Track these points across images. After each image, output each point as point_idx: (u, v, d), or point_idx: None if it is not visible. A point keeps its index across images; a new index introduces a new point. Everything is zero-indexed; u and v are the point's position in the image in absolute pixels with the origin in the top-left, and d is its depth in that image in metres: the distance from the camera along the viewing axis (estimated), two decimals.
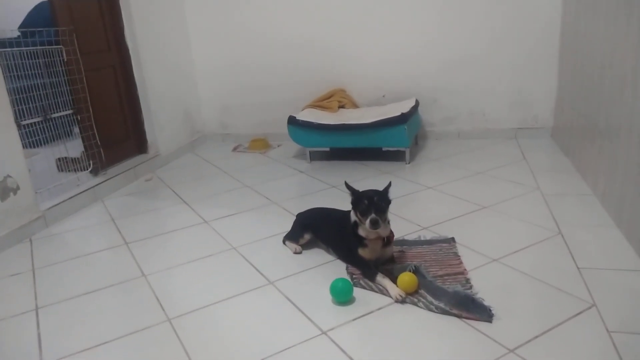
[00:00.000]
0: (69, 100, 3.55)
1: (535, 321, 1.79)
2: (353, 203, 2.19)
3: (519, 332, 1.74)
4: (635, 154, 2.27)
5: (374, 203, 2.10)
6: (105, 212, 3.32)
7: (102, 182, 3.64)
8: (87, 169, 3.66)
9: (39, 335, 1.98)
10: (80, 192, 3.44)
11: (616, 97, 2.56)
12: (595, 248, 2.31)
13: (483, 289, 2.01)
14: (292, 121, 4.07)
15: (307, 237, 2.47)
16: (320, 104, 4.46)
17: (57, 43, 3.45)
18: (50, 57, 3.40)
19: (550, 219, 2.63)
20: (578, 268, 2.13)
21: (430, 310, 1.92)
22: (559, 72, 4.06)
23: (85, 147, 3.65)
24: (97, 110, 3.71)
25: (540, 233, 2.49)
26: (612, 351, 1.62)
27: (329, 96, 4.54)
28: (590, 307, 1.86)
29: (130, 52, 4.07)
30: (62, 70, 3.48)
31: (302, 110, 4.35)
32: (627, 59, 2.41)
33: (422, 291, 2.02)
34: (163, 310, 2.08)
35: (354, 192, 2.19)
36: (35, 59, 3.30)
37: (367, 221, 2.07)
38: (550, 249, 2.33)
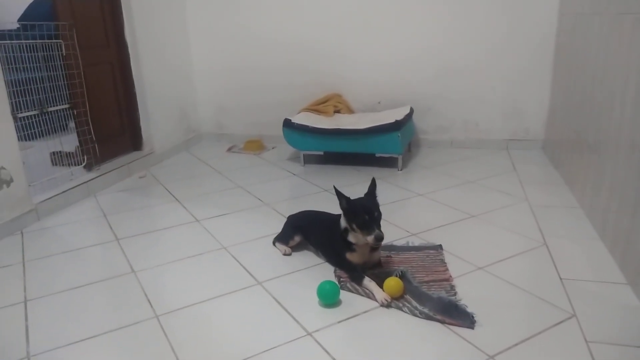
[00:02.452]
0: (66, 94, 3.56)
1: (516, 329, 1.83)
2: (348, 213, 2.17)
3: (499, 339, 1.77)
4: (621, 169, 2.32)
5: (374, 218, 2.11)
6: (98, 207, 3.33)
7: (95, 178, 3.66)
8: (81, 164, 3.67)
9: (26, 327, 2.00)
10: (73, 187, 3.45)
11: (605, 113, 2.62)
12: (579, 260, 2.36)
13: (467, 296, 2.05)
14: (288, 124, 4.10)
15: (297, 239, 2.50)
16: (316, 108, 4.49)
17: (56, 37, 3.47)
18: (49, 51, 3.41)
19: (536, 230, 2.68)
20: (561, 279, 2.18)
21: (415, 315, 1.95)
22: (551, 87, 4.13)
23: (80, 141, 3.67)
24: (94, 106, 3.73)
25: (525, 243, 2.54)
26: None
27: (325, 100, 4.58)
28: (570, 317, 1.90)
29: (129, 48, 4.09)
30: (60, 64, 3.50)
31: (298, 113, 4.39)
32: (618, 76, 2.46)
33: (407, 296, 2.05)
34: (151, 306, 2.10)
35: (348, 201, 2.16)
36: (34, 52, 3.32)
37: (372, 237, 2.07)
38: (535, 259, 2.38)
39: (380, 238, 2.08)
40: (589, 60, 3.01)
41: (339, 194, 2.18)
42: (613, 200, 2.41)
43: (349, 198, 2.18)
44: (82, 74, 3.60)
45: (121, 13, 4.01)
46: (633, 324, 1.87)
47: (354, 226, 2.14)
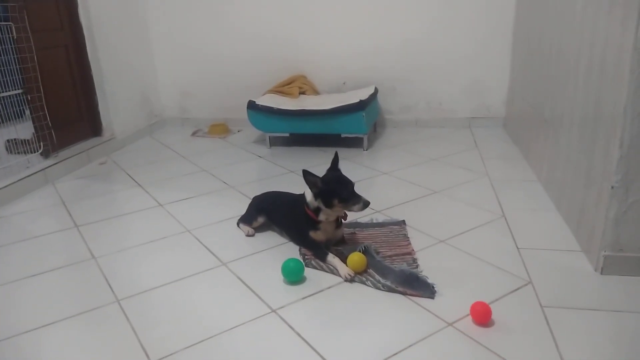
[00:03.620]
0: (19, 79, 3.42)
1: (474, 297, 1.87)
2: (325, 192, 2.12)
3: (458, 307, 1.82)
4: (576, 142, 2.40)
5: (353, 185, 2.14)
6: (56, 195, 3.24)
7: (53, 165, 3.54)
8: (38, 151, 3.55)
9: None
10: (30, 175, 3.34)
11: (561, 88, 2.69)
12: (536, 230, 2.43)
13: (428, 268, 2.09)
14: (252, 106, 4.06)
15: (260, 220, 2.50)
16: (281, 89, 4.46)
17: (6, 20, 3.31)
18: None
19: (495, 203, 2.75)
20: (518, 248, 2.25)
21: (378, 288, 1.98)
22: (511, 65, 4.21)
23: (35, 128, 3.54)
24: (49, 91, 3.60)
25: (485, 216, 2.60)
26: (543, 324, 1.73)
27: (290, 82, 4.55)
28: (526, 284, 1.96)
29: (84, 30, 3.96)
30: (12, 47, 3.35)
31: (263, 95, 4.34)
32: (571, 51, 2.52)
33: (370, 270, 2.08)
34: (112, 291, 2.06)
35: (322, 181, 2.13)
36: None
37: (360, 205, 2.08)
38: (494, 231, 2.45)
39: (368, 203, 2.10)
40: (546, 37, 3.08)
41: (310, 177, 2.12)
42: (568, 172, 2.49)
43: (321, 178, 2.15)
44: (35, 57, 3.46)
45: None
46: (586, 288, 1.95)
47: (336, 201, 2.11)
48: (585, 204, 2.22)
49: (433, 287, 1.93)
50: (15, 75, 3.39)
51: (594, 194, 2.11)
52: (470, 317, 1.75)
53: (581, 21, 2.38)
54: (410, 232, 2.45)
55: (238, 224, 2.59)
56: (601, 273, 2.02)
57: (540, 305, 1.83)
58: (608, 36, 2.01)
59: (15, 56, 3.38)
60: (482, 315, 1.73)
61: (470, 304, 1.76)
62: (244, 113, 4.14)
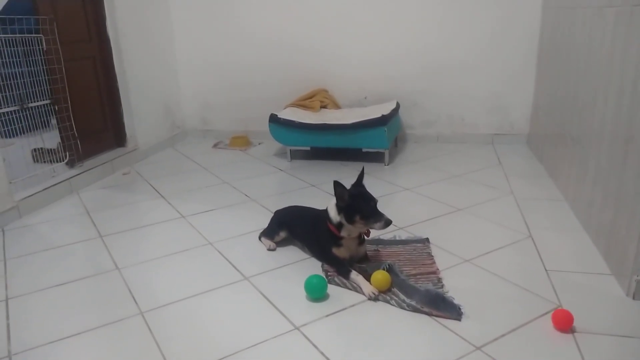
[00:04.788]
0: (47, 90, 3.50)
1: (503, 320, 1.84)
2: (351, 206, 2.09)
3: (486, 331, 1.78)
4: (604, 162, 2.35)
5: (376, 203, 2.12)
6: (81, 204, 3.28)
7: (78, 175, 3.60)
8: (63, 161, 3.61)
9: (8, 325, 1.95)
10: (56, 184, 3.39)
11: (589, 107, 2.64)
12: (564, 251, 2.38)
13: (454, 288, 2.05)
14: (274, 119, 4.08)
15: (282, 234, 2.49)
16: (302, 103, 4.48)
17: (36, 32, 3.40)
18: (29, 46, 3.35)
19: (521, 223, 2.70)
20: (546, 270, 2.19)
21: (402, 308, 1.95)
22: (536, 81, 4.16)
23: (61, 138, 3.61)
24: (75, 101, 3.67)
25: (511, 236, 2.55)
26: (574, 350, 1.68)
27: (312, 96, 4.57)
28: (556, 308, 1.91)
29: (111, 42, 4.04)
30: (41, 59, 3.43)
31: (284, 108, 4.36)
32: (601, 69, 2.48)
33: (394, 289, 2.05)
34: (136, 303, 2.07)
35: (350, 195, 2.10)
36: (14, 46, 3.25)
37: (382, 223, 2.05)
38: (521, 251, 2.40)
39: (390, 222, 2.07)
40: (573, 54, 3.04)
41: (340, 189, 2.09)
42: (596, 192, 2.44)
43: (348, 191, 2.13)
44: (64, 69, 3.54)
45: (103, 6, 3.96)
46: (617, 313, 1.89)
47: (358, 218, 2.09)
48: (615, 226, 2.16)
49: (460, 308, 1.89)
50: (43, 86, 3.46)
51: (625, 216, 2.05)
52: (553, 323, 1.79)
53: (612, 38, 2.34)
54: (434, 251, 2.41)
55: (260, 238, 2.58)
56: (633, 298, 1.96)
57: (571, 330, 1.78)
58: None
59: (44, 67, 3.45)
60: (564, 322, 1.77)
61: (499, 327, 1.72)
62: (264, 126, 4.16)
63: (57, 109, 3.54)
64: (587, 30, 2.77)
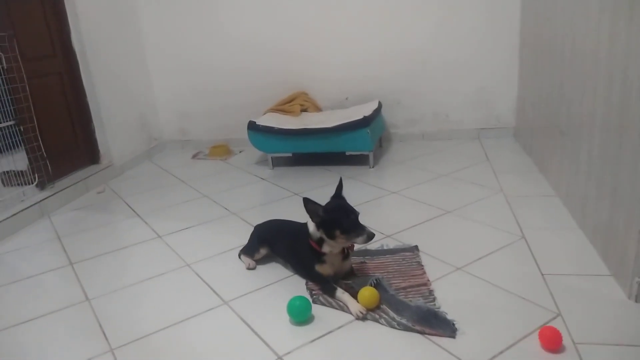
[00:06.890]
0: (11, 110, 3.31)
1: (500, 334, 1.72)
2: (327, 222, 1.97)
3: (483, 348, 1.65)
4: (596, 154, 2.24)
5: (357, 215, 1.99)
6: (52, 229, 3.11)
7: (48, 197, 3.42)
8: (33, 183, 3.43)
9: None
10: (25, 208, 3.22)
11: (577, 97, 2.53)
12: (559, 252, 2.26)
13: (446, 301, 1.93)
14: (252, 126, 3.93)
15: (263, 251, 2.34)
16: (281, 107, 4.33)
17: None
18: None
19: (513, 222, 2.58)
20: (542, 274, 2.07)
21: (392, 327, 1.82)
22: (519, 73, 4.05)
23: (29, 159, 3.42)
24: (42, 120, 3.49)
25: (503, 238, 2.43)
26: None
27: (291, 100, 4.42)
28: (555, 317, 1.79)
29: (78, 56, 3.86)
30: (2, 78, 3.25)
31: (263, 114, 4.21)
32: (587, 59, 2.37)
33: (383, 306, 1.92)
34: (106, 339, 1.91)
35: (324, 210, 1.98)
36: None
37: (363, 237, 1.94)
38: (514, 254, 2.28)
39: (373, 236, 1.94)
40: (556, 45, 2.92)
41: (311, 205, 1.97)
42: (590, 186, 2.33)
43: (323, 207, 2.00)
44: (27, 87, 3.35)
45: (66, 19, 3.77)
46: (621, 320, 1.77)
47: (338, 233, 1.96)
48: (613, 223, 2.04)
49: (453, 324, 1.76)
50: (7, 106, 3.28)
51: (623, 212, 1.94)
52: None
53: (597, 26, 2.23)
54: (424, 259, 2.28)
55: (239, 256, 2.43)
56: (635, 301, 1.84)
57: (573, 341, 1.66)
58: (630, 43, 1.86)
59: (5, 87, 3.27)
60: (551, 341, 1.62)
61: (495, 343, 1.60)
62: (245, 133, 4.00)
63: (22, 129, 3.36)
64: (569, 18, 2.65)
